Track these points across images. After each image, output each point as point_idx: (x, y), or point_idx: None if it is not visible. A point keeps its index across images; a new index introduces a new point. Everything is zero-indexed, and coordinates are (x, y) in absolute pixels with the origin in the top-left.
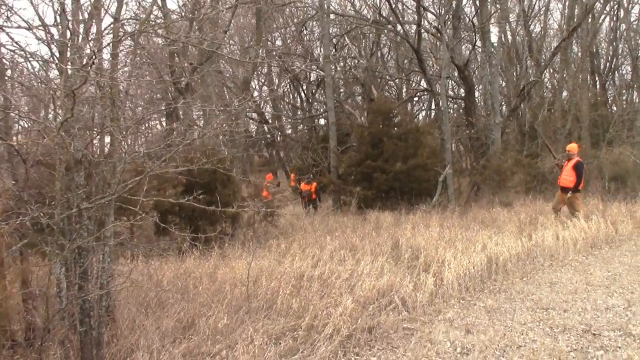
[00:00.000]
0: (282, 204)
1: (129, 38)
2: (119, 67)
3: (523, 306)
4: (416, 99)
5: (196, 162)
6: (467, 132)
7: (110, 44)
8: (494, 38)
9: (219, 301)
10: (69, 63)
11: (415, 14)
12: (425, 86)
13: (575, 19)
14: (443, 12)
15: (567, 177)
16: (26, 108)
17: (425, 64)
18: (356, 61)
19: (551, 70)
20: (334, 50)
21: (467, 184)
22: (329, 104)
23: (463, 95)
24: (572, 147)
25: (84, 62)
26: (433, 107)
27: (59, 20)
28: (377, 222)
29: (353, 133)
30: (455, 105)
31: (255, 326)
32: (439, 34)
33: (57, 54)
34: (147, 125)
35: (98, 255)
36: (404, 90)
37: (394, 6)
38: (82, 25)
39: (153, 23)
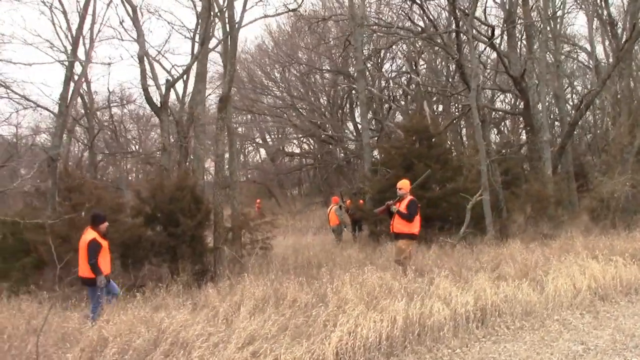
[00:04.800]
0: (273, 233)
1: None
2: None
3: None
4: None
5: None
6: (508, 152)
7: None
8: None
9: None
10: None
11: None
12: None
13: None
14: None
15: (400, 221)
16: None
17: (468, 77)
18: (408, 77)
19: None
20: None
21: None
22: (363, 123)
23: (521, 109)
24: (404, 183)
25: None
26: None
27: None
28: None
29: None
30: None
31: None
32: (488, 40)
33: None
34: None
35: None
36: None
37: (426, 10)
38: None
39: None
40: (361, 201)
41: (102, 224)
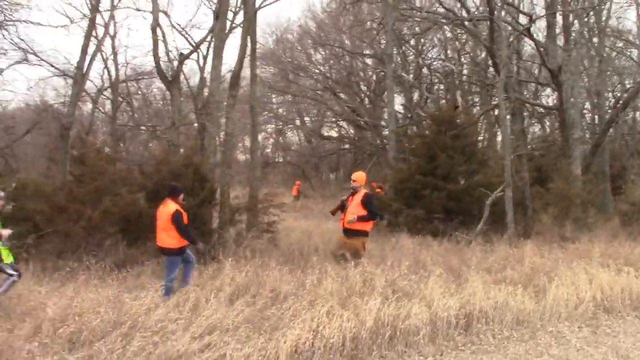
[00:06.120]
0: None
1: None
2: None
3: None
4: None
5: None
6: (535, 147)
7: None
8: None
9: None
10: None
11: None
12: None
13: None
14: None
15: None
16: None
17: (499, 66)
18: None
19: None
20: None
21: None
22: (389, 109)
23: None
24: (359, 175)
25: None
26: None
27: None
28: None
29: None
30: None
31: None
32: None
33: None
34: None
35: None
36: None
37: None
38: None
39: None
40: (378, 190)
41: (179, 195)
